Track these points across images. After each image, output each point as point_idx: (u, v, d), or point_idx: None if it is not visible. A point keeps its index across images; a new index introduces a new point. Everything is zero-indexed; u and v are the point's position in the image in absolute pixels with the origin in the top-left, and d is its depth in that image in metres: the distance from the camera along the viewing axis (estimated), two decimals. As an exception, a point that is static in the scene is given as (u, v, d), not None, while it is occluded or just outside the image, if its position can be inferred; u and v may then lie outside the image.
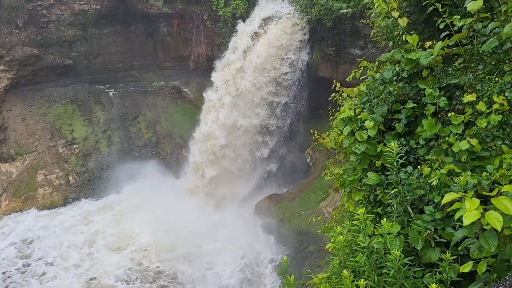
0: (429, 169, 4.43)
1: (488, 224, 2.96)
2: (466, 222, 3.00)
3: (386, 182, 4.85)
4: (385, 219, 4.08)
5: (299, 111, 30.43)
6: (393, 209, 4.59)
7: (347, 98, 6.15)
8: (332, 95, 6.43)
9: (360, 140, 5.32)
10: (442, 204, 3.65)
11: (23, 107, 33.45)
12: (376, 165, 5.20)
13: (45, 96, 34.57)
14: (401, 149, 5.12)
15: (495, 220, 2.91)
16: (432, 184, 4.25)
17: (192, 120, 34.78)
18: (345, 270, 3.58)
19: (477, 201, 3.06)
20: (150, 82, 37.83)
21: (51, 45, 34.12)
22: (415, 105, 5.16)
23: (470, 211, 2.96)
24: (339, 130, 5.60)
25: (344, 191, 5.32)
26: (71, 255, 26.43)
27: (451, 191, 4.22)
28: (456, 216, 3.22)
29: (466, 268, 3.24)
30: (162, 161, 35.50)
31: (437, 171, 4.31)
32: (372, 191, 5.06)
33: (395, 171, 4.42)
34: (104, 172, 33.65)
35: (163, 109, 37.24)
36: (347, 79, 6.31)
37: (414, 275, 3.99)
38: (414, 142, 5.02)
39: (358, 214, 5.56)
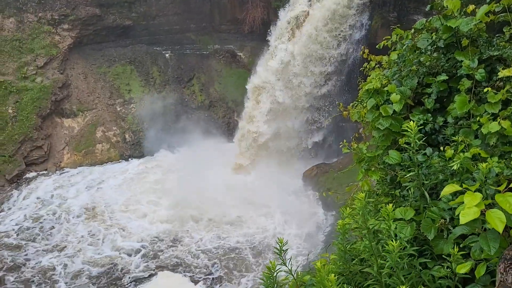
0: (452, 151, 3.96)
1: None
2: (462, 220, 2.61)
3: (408, 162, 4.41)
4: (390, 204, 3.71)
5: (353, 78, 29.32)
6: (410, 192, 4.19)
7: (376, 67, 5.64)
8: (364, 65, 5.92)
9: (384, 115, 4.88)
10: (441, 196, 3.24)
11: (85, 65, 34.88)
12: (400, 143, 4.75)
13: (106, 55, 35.76)
14: (427, 127, 4.64)
15: (497, 220, 2.50)
16: (453, 168, 3.79)
17: (244, 85, 34.63)
18: (332, 274, 3.30)
19: (479, 196, 2.64)
20: (205, 45, 37.90)
21: (112, 6, 34.94)
22: (447, 77, 4.60)
23: (469, 208, 2.57)
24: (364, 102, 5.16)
25: (362, 168, 4.94)
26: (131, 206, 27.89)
27: (472, 178, 3.77)
28: (457, 212, 2.82)
29: (463, 269, 2.86)
30: (213, 124, 35.94)
31: (461, 154, 3.84)
32: (391, 171, 4.66)
33: (412, 152, 3.99)
34: (158, 132, 34.64)
35: (217, 73, 37.35)
36: (377, 47, 5.77)
37: (420, 267, 3.64)
38: (442, 120, 4.50)
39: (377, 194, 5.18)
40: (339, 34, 27.22)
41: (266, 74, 30.44)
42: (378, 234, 3.92)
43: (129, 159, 33.46)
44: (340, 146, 5.18)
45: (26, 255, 23.34)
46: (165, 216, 26.57)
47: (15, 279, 21.65)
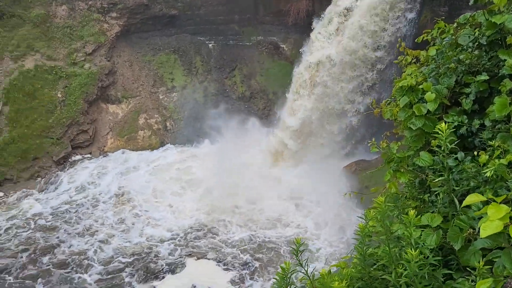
0: (487, 156, 3.69)
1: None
2: (483, 233, 2.40)
3: (439, 166, 4.17)
4: (412, 210, 3.51)
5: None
6: (438, 198, 3.96)
7: (413, 63, 5.34)
8: (399, 58, 5.63)
9: (417, 114, 4.62)
10: (462, 206, 3.01)
11: (131, 53, 35.77)
12: (432, 144, 4.49)
13: (151, 44, 36.51)
14: (462, 129, 4.36)
15: None
16: (486, 175, 3.53)
17: (286, 77, 34.36)
18: (337, 282, 3.16)
19: (504, 208, 2.41)
20: (248, 36, 37.87)
21: (159, -5, 35.58)
22: (488, 77, 4.29)
23: (491, 221, 2.35)
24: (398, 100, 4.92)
25: (390, 169, 4.72)
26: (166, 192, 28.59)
27: (506, 187, 3.49)
28: (479, 225, 2.59)
29: (484, 285, 2.63)
30: (253, 116, 35.95)
31: (496, 160, 3.57)
32: (420, 174, 4.42)
33: (442, 155, 3.75)
34: (198, 121, 35.10)
35: (259, 64, 37.27)
36: (416, 40, 5.47)
37: (445, 278, 3.43)
38: (478, 122, 4.21)
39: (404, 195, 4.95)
40: (386, 29, 26.41)
41: (308, 67, 30.04)
42: (401, 241, 3.73)
43: (169, 146, 34.14)
44: (369, 145, 4.97)
45: (58, 237, 24.25)
46: (200, 206, 26.95)
47: (49, 260, 22.59)
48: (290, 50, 37.18)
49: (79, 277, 21.56)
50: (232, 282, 21.21)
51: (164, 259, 22.66)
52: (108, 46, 34.51)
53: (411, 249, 3.14)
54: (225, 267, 22.29)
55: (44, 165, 30.40)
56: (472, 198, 2.76)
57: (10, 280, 21.26)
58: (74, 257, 22.73)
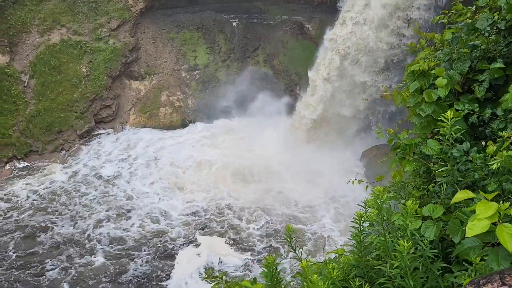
0: (495, 148, 3.51)
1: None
2: (468, 232, 2.27)
3: (443, 156, 4.01)
4: (410, 201, 3.38)
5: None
6: (442, 189, 3.82)
7: (426, 46, 5.11)
8: (409, 43, 5.37)
9: (427, 100, 4.44)
10: (451, 203, 2.86)
11: (155, 30, 35.78)
12: (441, 132, 4.32)
13: (175, 21, 36.39)
14: (472, 118, 4.16)
15: (508, 236, 2.13)
16: (492, 167, 3.37)
17: (310, 58, 33.85)
18: (315, 275, 3.09)
19: (494, 206, 2.27)
20: (273, 15, 37.29)
21: (184, -29, 35.25)
22: (504, 65, 4.06)
23: (479, 220, 2.21)
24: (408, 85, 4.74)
25: (396, 156, 4.57)
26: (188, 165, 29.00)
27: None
28: (468, 224, 2.45)
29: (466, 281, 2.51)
30: (275, 96, 35.71)
31: (504, 152, 3.39)
32: (426, 163, 4.27)
33: (446, 144, 3.60)
34: (219, 99, 35.10)
35: (282, 44, 36.78)
36: (432, 21, 5.20)
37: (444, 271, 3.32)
38: (490, 111, 4.00)
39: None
40: (409, 13, 25.55)
41: (334, 44, 29.36)
42: (400, 231, 3.62)
43: (190, 124, 34.34)
44: (375, 130, 4.81)
45: (72, 210, 24.92)
46: (219, 184, 27.17)
47: (64, 229, 23.33)
48: (314, 30, 36.51)
49: (125, 228, 22.68)
50: (243, 263, 21.41)
51: (179, 236, 23.09)
52: (132, 22, 34.58)
53: (404, 241, 3.03)
54: (241, 245, 22.52)
55: (68, 139, 31.07)
56: (461, 195, 2.62)
57: (43, 240, 22.11)
58: (87, 229, 23.48)
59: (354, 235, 3.70)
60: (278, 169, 28.37)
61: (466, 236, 2.41)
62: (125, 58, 33.79)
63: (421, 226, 3.67)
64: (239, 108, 34.52)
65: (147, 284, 20.10)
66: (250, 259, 21.41)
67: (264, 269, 3.56)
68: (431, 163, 4.36)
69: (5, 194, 26.05)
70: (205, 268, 20.81)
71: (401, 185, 4.68)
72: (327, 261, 3.80)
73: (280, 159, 28.93)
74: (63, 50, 32.15)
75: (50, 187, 26.82)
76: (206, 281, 4.65)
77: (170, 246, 22.29)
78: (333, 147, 30.01)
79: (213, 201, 25.68)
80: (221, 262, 21.25)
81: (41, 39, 31.94)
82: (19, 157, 29.11)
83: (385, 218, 3.46)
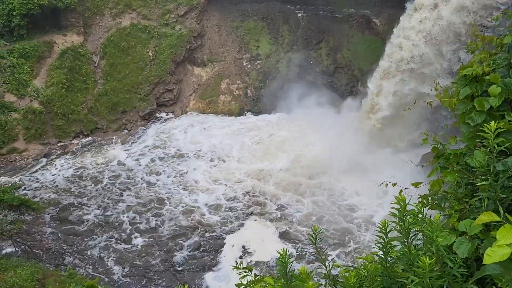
0: (544, 165, 3.18)
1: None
2: (487, 260, 2.05)
3: (484, 169, 3.70)
4: (438, 214, 3.15)
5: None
6: (483, 204, 3.53)
7: (484, 49, 4.71)
8: (468, 43, 4.97)
9: (478, 108, 4.11)
10: (474, 224, 2.59)
11: (220, 18, 36.27)
12: (484, 144, 3.99)
13: (240, 10, 36.66)
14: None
15: None
16: (538, 186, 3.06)
17: (375, 54, 32.77)
18: (311, 282, 2.95)
19: None
20: (340, 8, 36.43)
21: (253, -40, 35.26)
22: None
23: (499, 246, 1.99)
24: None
25: (438, 164, 4.29)
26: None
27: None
28: (484, 250, 2.21)
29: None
30: (335, 91, 35.07)
31: (555, 171, 3.07)
32: (469, 175, 3.96)
33: (489, 158, 3.31)
34: (278, 91, 35.02)
35: (347, 38, 35.90)
36: (491, 19, 4.78)
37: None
38: (545, 125, 3.62)
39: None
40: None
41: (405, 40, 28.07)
42: (429, 245, 3.39)
43: (247, 113, 34.61)
44: (418, 137, 4.55)
45: (129, 189, 26.00)
46: (272, 172, 27.24)
47: (117, 205, 24.50)
48: (382, 26, 35.23)
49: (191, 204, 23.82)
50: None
51: (225, 219, 23.52)
52: (199, 9, 35.26)
53: (427, 257, 2.83)
54: (288, 234, 22.49)
55: (130, 119, 32.48)
56: (484, 217, 2.38)
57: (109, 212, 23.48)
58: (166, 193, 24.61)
59: (378, 243, 3.53)
60: (336, 165, 27.82)
61: (484, 262, 2.19)
62: (190, 45, 34.59)
63: (454, 242, 3.43)
64: (298, 101, 34.23)
65: (196, 268, 20.60)
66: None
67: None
68: (475, 176, 4.05)
69: (70, 167, 27.80)
70: (241, 259, 21.02)
71: (442, 195, 4.40)
72: (346, 268, 3.66)
73: (338, 156, 28.35)
74: (132, 33, 33.51)
75: (109, 164, 28.22)
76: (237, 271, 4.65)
77: (219, 232, 22.71)
78: (397, 149, 28.97)
79: (268, 193, 25.79)
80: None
81: (113, 22, 33.48)
82: (85, 133, 30.90)
83: (411, 229, 3.25)
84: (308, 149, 29.48)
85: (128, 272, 20.37)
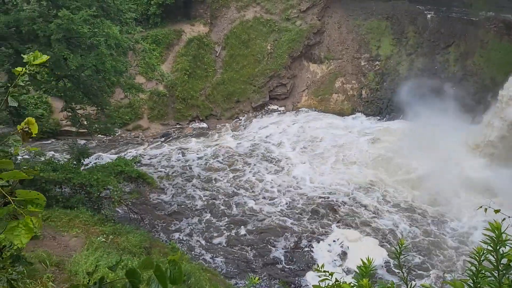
0: None
1: None
2: None
3: None
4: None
5: None
6: None
7: None
8: None
9: None
10: None
11: (342, 15, 35.53)
12: None
13: (364, 8, 35.48)
14: None
15: None
16: None
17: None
18: None
19: None
20: (476, 10, 33.20)
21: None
22: None
23: None
24: None
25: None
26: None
27: None
28: None
29: None
30: (460, 101, 32.04)
31: None
32: None
33: None
34: (396, 95, 33.20)
35: (481, 44, 32.59)
36: None
37: None
38: None
39: None
40: None
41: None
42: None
43: (359, 114, 33.49)
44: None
45: (239, 179, 26.74)
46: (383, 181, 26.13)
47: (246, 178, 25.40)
48: (526, 32, 31.33)
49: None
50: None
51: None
52: (322, 5, 34.95)
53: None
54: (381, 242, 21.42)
55: (243, 109, 33.58)
56: None
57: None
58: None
59: (468, 271, 3.04)
60: (445, 185, 25.61)
61: None
62: (308, 40, 34.50)
63: None
64: (415, 108, 32.03)
65: (298, 268, 20.56)
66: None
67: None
68: None
69: (184, 149, 29.65)
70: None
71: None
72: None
73: (453, 171, 26.07)
74: (254, 26, 34.49)
75: (219, 150, 29.45)
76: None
77: (322, 235, 22.46)
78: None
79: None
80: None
81: (237, 15, 34.81)
82: (200, 118, 32.73)
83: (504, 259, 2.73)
84: (420, 163, 27.25)
85: (225, 261, 20.77)
